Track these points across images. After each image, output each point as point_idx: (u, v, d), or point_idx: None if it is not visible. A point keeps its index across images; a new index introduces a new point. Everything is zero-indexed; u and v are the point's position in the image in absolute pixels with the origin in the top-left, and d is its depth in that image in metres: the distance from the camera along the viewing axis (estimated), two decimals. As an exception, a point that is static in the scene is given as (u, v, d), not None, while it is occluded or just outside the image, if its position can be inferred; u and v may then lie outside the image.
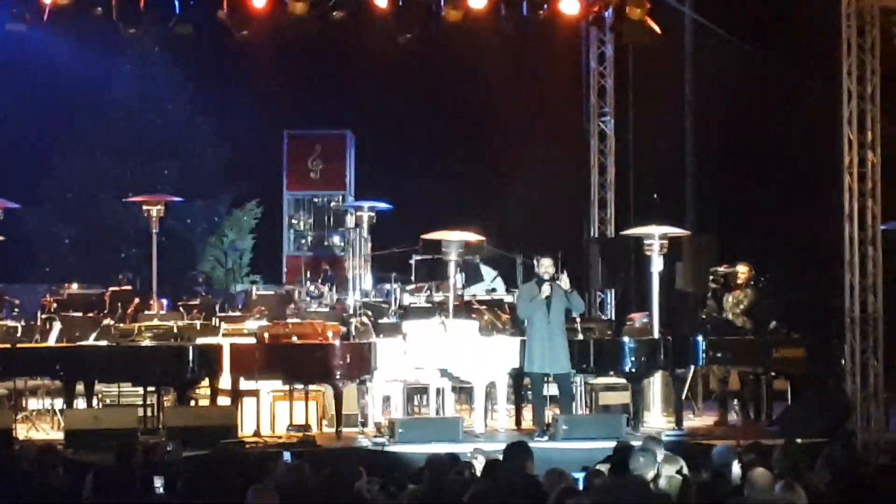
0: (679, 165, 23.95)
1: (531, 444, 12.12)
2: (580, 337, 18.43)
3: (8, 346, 17.98)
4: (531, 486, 10.98)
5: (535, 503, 10.23)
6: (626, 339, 18.36)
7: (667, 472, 11.35)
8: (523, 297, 17.64)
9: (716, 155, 23.53)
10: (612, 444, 15.42)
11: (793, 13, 21.26)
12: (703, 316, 19.36)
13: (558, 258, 17.80)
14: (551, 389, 17.93)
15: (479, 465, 12.31)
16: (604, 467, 11.97)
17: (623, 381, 18.26)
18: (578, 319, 19.00)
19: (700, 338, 18.13)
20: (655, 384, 18.66)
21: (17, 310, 20.44)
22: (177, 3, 21.13)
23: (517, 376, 17.96)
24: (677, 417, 17.98)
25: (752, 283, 18.98)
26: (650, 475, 10.96)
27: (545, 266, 17.29)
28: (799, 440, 14.34)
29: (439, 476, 12.02)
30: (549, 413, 17.85)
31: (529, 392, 17.77)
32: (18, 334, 18.93)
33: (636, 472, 11.00)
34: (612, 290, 23.47)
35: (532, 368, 17.29)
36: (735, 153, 22.95)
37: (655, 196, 22.25)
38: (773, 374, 18.34)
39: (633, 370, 17.83)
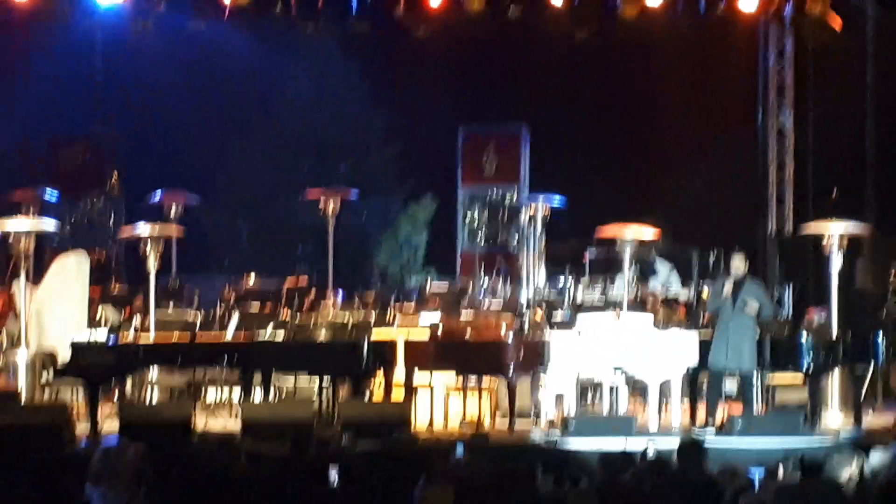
0: (860, 162, 23.60)
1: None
2: (757, 333, 18.22)
3: (188, 337, 18.27)
4: (705, 482, 10.88)
5: (711, 500, 10.12)
6: (804, 336, 18.12)
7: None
8: (713, 291, 17.83)
9: (897, 151, 23.17)
10: (789, 441, 15.35)
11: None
12: (883, 313, 19.08)
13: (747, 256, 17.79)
14: (728, 386, 17.83)
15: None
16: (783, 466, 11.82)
17: (801, 378, 17.99)
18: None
19: (880, 335, 17.85)
20: (833, 382, 18.37)
21: (196, 302, 20.76)
22: (354, 2, 21.38)
23: (693, 372, 17.84)
24: (856, 415, 17.72)
25: (934, 280, 18.67)
26: (844, 478, 10.70)
27: (735, 263, 17.33)
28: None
29: (613, 474, 11.96)
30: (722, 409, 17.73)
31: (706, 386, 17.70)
32: (198, 326, 19.21)
33: (830, 475, 10.77)
34: (791, 287, 23.18)
35: (712, 363, 17.24)
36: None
37: (835, 192, 21.98)
38: (955, 373, 17.98)
39: (812, 367, 17.62)
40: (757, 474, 11.85)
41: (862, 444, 14.96)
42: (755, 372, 17.75)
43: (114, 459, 9.70)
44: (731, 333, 17.24)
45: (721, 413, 17.35)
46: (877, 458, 11.09)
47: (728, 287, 17.30)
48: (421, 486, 9.64)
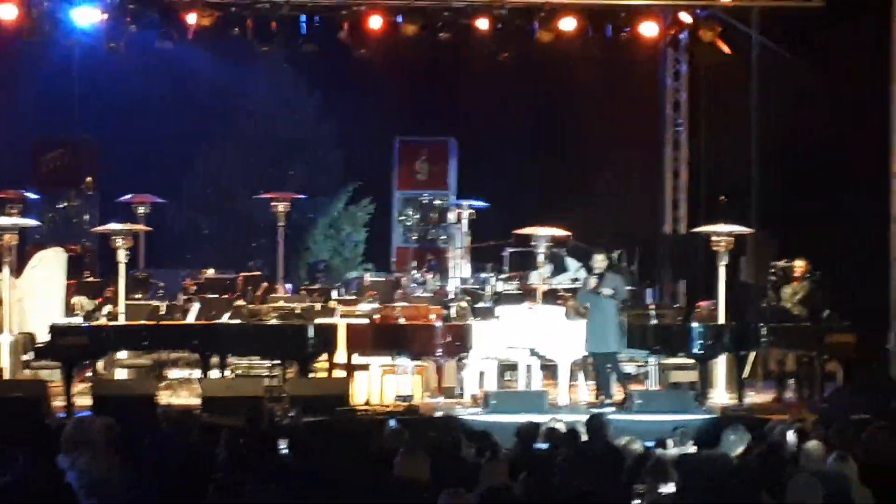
0: (744, 171, 23.69)
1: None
2: (654, 322, 18.36)
3: (153, 322, 18.24)
4: (610, 452, 11.00)
5: (614, 468, 10.22)
6: (695, 324, 18.27)
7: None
8: (582, 287, 17.82)
9: (778, 162, 23.27)
10: (682, 417, 15.48)
11: (846, 35, 21.06)
12: (764, 305, 19.23)
13: (611, 254, 17.92)
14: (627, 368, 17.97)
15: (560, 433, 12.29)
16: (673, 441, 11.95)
17: (691, 361, 18.14)
18: (653, 306, 19.00)
19: (761, 324, 18.01)
20: (720, 364, 18.51)
21: (161, 291, 20.70)
22: (303, 25, 21.33)
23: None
24: (739, 394, 17.84)
25: (808, 276, 18.81)
26: (736, 453, 10.81)
27: (597, 260, 17.41)
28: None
29: (528, 442, 12.06)
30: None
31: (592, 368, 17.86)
32: (162, 312, 19.16)
33: (724, 450, 10.89)
34: (684, 281, 23.38)
35: (589, 349, 17.40)
36: (795, 160, 22.72)
37: (723, 198, 22.13)
38: (826, 357, 18.11)
39: (701, 352, 17.73)
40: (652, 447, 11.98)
41: (745, 420, 15.15)
42: (647, 355, 17.96)
43: (85, 429, 9.70)
44: (596, 321, 17.29)
45: (614, 391, 17.45)
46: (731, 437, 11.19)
47: (593, 281, 17.38)
48: (400, 454, 9.64)
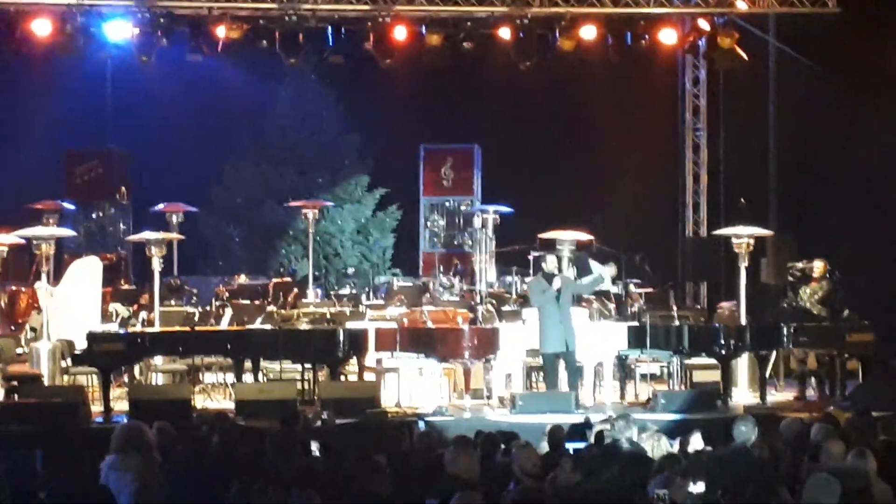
0: (763, 173, 23.76)
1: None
2: (676, 323, 18.35)
3: (188, 328, 18.30)
4: (638, 452, 11.01)
5: (643, 468, 10.22)
6: (717, 325, 18.26)
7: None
8: (534, 290, 17.70)
9: (795, 164, 23.31)
10: (705, 416, 15.46)
11: (862, 41, 21.05)
12: (784, 305, 19.19)
13: (562, 256, 18.00)
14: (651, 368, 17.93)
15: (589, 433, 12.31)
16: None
17: (714, 361, 18.12)
18: (675, 308, 19.01)
19: (782, 324, 17.98)
20: (742, 364, 18.50)
21: (195, 298, 20.76)
22: (330, 37, 21.39)
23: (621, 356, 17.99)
24: (761, 393, 17.84)
25: (827, 276, 18.78)
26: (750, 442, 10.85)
27: (551, 263, 17.41)
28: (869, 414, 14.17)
29: (559, 442, 12.08)
30: (649, 388, 17.90)
31: (542, 372, 17.77)
32: (196, 319, 19.24)
33: (737, 441, 10.92)
34: (705, 283, 23.38)
35: (546, 349, 17.26)
36: (812, 162, 22.73)
37: (742, 201, 22.12)
38: (846, 356, 18.08)
39: (723, 352, 17.71)
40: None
41: (766, 417, 15.15)
42: (671, 356, 17.98)
43: (138, 432, 9.82)
44: (557, 322, 17.12)
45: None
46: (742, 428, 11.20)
47: (557, 283, 17.26)
48: (450, 451, 9.69)
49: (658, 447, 11.43)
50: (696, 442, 12.06)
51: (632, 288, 20.13)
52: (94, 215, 23.99)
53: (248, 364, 17.67)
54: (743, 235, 18.53)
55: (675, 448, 11.77)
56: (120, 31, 21.15)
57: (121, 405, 16.80)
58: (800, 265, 19.26)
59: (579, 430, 12.95)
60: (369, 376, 17.77)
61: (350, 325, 18.33)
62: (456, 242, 25.48)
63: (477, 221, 21.93)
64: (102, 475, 9.61)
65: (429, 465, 10.44)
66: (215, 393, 18.42)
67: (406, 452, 11.54)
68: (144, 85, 23.83)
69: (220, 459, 10.88)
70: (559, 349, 17.16)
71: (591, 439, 12.12)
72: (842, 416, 13.34)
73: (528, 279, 19.92)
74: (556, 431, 12.36)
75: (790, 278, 19.32)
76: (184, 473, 10.20)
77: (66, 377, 17.92)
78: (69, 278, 19.00)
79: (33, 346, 17.97)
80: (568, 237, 18.86)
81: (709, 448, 11.68)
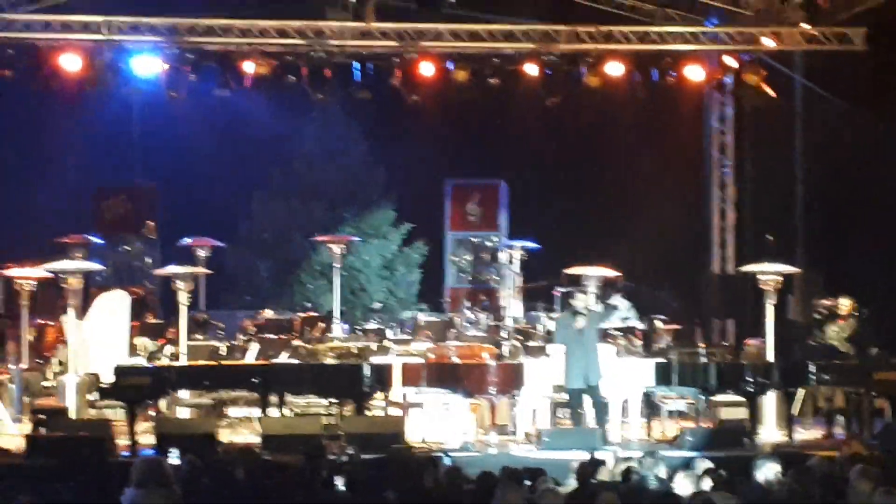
0: (790, 210, 23.69)
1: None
2: (703, 360, 18.27)
3: (214, 362, 18.32)
4: (664, 488, 10.93)
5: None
6: (744, 362, 18.17)
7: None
8: (560, 326, 17.66)
9: (822, 201, 23.25)
10: (732, 453, 15.33)
11: (888, 78, 21.03)
12: (812, 342, 19.10)
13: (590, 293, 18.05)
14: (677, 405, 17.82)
15: (617, 469, 12.20)
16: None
17: (741, 398, 18.01)
18: (702, 344, 18.94)
19: (809, 361, 17.88)
20: (769, 402, 18.38)
21: (221, 332, 20.78)
22: (357, 72, 21.49)
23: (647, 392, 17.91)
24: (788, 431, 17.73)
25: (854, 314, 18.69)
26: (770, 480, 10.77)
27: (580, 300, 17.32)
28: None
29: (588, 478, 11.99)
30: (676, 425, 17.80)
31: (568, 407, 17.65)
32: (223, 353, 19.25)
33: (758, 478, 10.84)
34: (732, 320, 23.28)
35: (569, 385, 17.19)
36: (840, 200, 22.67)
37: (769, 237, 22.05)
38: (874, 394, 17.97)
39: (750, 389, 17.60)
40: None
41: (794, 455, 15.03)
42: (697, 393, 17.90)
43: (158, 466, 9.80)
44: (582, 357, 17.04)
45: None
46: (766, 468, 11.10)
47: (581, 322, 17.15)
48: (499, 488, 9.65)
49: (687, 485, 11.32)
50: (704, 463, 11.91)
51: (658, 324, 20.04)
52: (121, 249, 24.03)
53: (273, 398, 17.63)
54: (770, 272, 18.47)
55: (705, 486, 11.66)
56: (148, 67, 21.33)
57: (147, 439, 16.79)
58: (827, 302, 19.18)
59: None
60: (395, 411, 17.74)
61: (376, 359, 18.32)
62: (482, 278, 25.47)
63: (503, 257, 21.94)
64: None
65: (454, 500, 10.38)
66: (241, 427, 18.38)
67: (431, 488, 11.48)
68: (172, 120, 23.92)
69: (245, 494, 10.85)
70: (581, 385, 17.10)
71: (619, 477, 12.02)
72: (870, 454, 13.22)
73: (553, 315, 19.82)
74: (584, 467, 12.26)
75: (817, 316, 19.24)
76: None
77: (92, 411, 17.93)
78: (96, 312, 19.05)
79: (60, 380, 18.03)
80: (594, 273, 18.83)
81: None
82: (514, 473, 10.29)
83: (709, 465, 11.58)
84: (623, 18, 22.49)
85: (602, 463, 12.09)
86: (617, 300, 18.77)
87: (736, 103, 23.64)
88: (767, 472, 10.94)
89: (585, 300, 17.49)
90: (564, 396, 17.73)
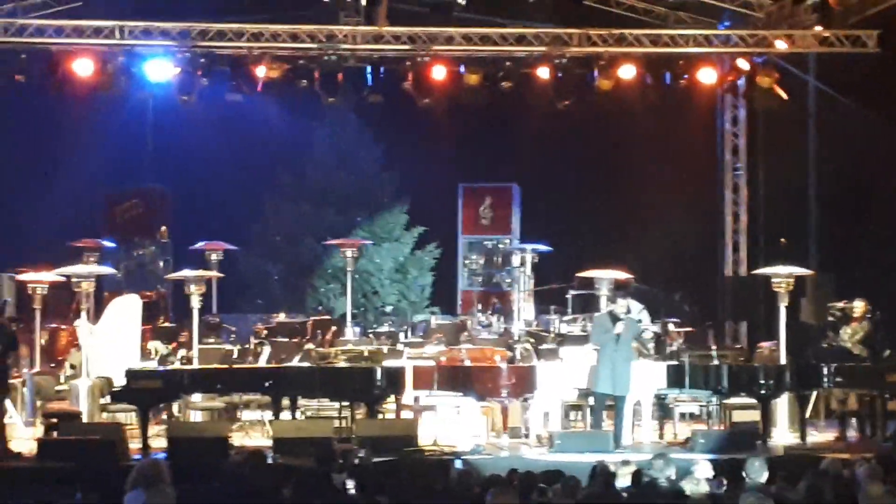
0: (803, 213, 23.63)
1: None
2: (715, 362, 18.23)
3: (226, 366, 18.32)
4: (675, 492, 10.92)
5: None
6: (757, 364, 18.12)
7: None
8: (597, 327, 17.54)
9: (836, 203, 23.20)
10: (745, 456, 15.25)
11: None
12: (825, 345, 19.04)
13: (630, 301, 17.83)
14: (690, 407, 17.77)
15: (627, 472, 12.16)
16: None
17: (754, 401, 17.96)
18: (714, 347, 18.90)
19: (822, 364, 17.83)
20: (782, 404, 18.34)
21: (233, 336, 20.80)
22: (369, 76, 21.51)
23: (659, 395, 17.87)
24: (801, 433, 17.67)
25: (867, 316, 18.62)
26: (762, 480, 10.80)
27: (621, 306, 17.27)
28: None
29: (607, 481, 11.96)
30: (688, 428, 17.76)
31: (591, 410, 17.63)
32: (235, 356, 19.26)
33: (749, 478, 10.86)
34: (745, 322, 23.24)
35: (595, 388, 17.16)
36: (853, 202, 22.63)
37: (782, 240, 22.02)
38: (887, 396, 17.91)
39: (763, 392, 17.56)
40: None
41: (806, 457, 14.99)
42: (709, 395, 17.83)
43: (158, 468, 9.81)
44: (612, 364, 16.97)
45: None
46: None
47: (620, 327, 17.07)
48: (491, 493, 9.64)
49: (696, 487, 11.30)
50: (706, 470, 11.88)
51: (671, 327, 20.00)
52: (134, 253, 24.04)
53: (285, 402, 17.63)
54: (783, 275, 18.42)
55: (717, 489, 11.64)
56: (160, 71, 21.36)
57: (159, 442, 16.80)
58: (840, 305, 19.12)
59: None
60: (407, 414, 17.73)
61: (388, 363, 18.29)
62: (494, 281, 25.46)
63: (515, 260, 21.91)
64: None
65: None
66: (253, 430, 18.40)
67: (443, 491, 11.47)
68: (184, 124, 23.96)
69: (256, 497, 10.84)
70: (606, 391, 17.07)
71: (629, 480, 11.99)
72: (883, 456, 13.18)
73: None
74: (598, 470, 12.22)
75: (830, 318, 19.18)
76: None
77: (104, 414, 17.96)
78: (109, 316, 19.07)
79: (73, 384, 18.05)
80: (606, 276, 18.80)
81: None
82: (529, 477, 10.25)
83: (710, 472, 11.57)
84: (635, 21, 22.49)
85: (613, 475, 12.05)
86: (629, 303, 18.73)
87: (748, 106, 23.61)
88: (757, 471, 10.91)
89: (626, 306, 17.43)
90: (575, 399, 17.73)
